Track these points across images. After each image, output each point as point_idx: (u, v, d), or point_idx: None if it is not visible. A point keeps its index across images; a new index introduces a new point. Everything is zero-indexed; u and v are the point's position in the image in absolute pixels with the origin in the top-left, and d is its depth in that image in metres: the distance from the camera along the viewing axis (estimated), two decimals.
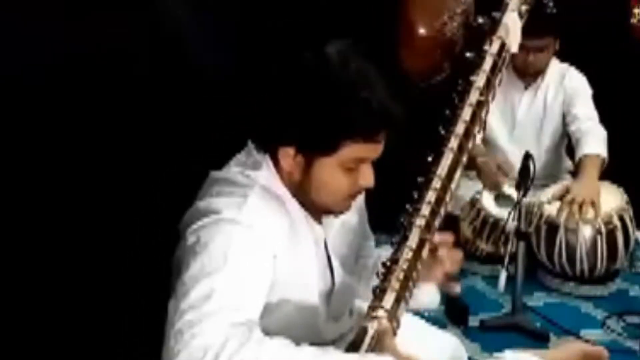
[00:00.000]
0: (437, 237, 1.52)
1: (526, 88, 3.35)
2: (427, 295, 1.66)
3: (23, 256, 2.18)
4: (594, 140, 3.14)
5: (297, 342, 1.35)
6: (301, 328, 1.54)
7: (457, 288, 1.68)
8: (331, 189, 1.50)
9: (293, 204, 1.55)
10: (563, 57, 3.35)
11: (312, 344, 1.37)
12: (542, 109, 3.35)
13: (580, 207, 2.98)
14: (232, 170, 1.55)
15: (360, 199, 1.71)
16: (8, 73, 2.11)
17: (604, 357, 2.25)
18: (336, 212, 1.58)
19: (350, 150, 1.44)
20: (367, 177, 1.50)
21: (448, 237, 1.60)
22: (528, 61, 3.19)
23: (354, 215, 1.73)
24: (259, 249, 1.42)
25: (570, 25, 3.21)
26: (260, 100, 1.51)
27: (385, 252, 1.60)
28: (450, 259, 1.62)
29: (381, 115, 1.43)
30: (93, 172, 2.33)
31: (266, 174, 1.53)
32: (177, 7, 2.59)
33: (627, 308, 2.86)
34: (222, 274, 1.34)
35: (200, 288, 1.32)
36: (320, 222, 1.61)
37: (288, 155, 1.48)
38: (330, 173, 1.47)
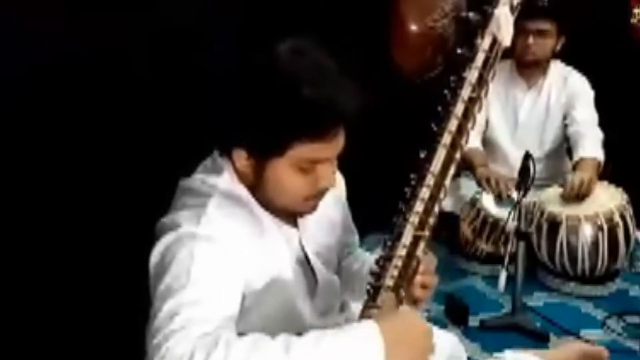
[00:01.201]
0: (421, 267, 1.49)
1: (529, 88, 3.36)
2: None
3: (20, 258, 2.18)
4: (591, 144, 3.17)
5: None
6: (285, 324, 1.50)
7: (422, 308, 1.62)
8: (287, 189, 1.47)
9: (257, 206, 1.53)
10: (563, 57, 3.36)
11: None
12: (544, 110, 3.36)
13: (579, 195, 3.01)
14: (196, 177, 1.54)
15: (341, 194, 1.70)
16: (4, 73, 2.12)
17: (604, 357, 2.25)
18: (299, 212, 1.56)
19: (300, 151, 1.42)
20: (325, 177, 1.47)
21: (431, 265, 1.57)
22: (528, 45, 3.20)
23: (336, 211, 1.72)
24: (222, 259, 1.40)
25: (571, 24, 3.22)
26: (213, 100, 1.50)
27: (374, 255, 1.60)
28: (422, 283, 1.57)
29: (327, 113, 1.39)
30: (92, 171, 2.33)
31: (228, 179, 1.51)
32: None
33: (627, 308, 2.85)
34: (186, 291, 1.32)
35: (166, 308, 1.29)
36: (291, 222, 1.59)
37: (241, 157, 1.46)
38: (283, 174, 1.45)
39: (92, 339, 2.27)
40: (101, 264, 2.32)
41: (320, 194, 1.52)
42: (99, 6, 2.33)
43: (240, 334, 1.33)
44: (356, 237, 1.88)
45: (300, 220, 1.61)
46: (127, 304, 2.22)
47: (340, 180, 1.70)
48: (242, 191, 1.52)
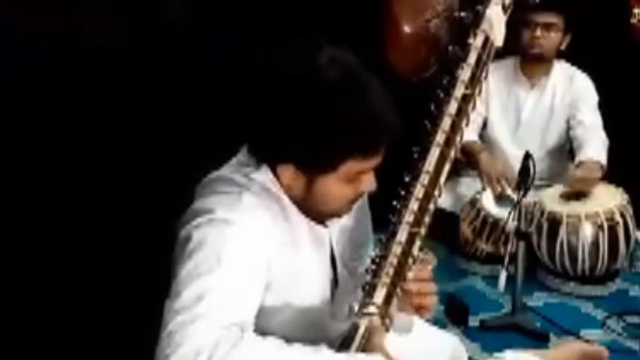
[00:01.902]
0: (411, 274, 1.49)
1: (532, 87, 3.35)
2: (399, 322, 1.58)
3: (22, 258, 2.19)
4: (595, 147, 3.16)
5: (302, 341, 1.36)
6: (306, 328, 1.54)
7: (426, 316, 1.64)
8: (334, 199, 1.48)
9: (290, 206, 1.53)
10: (563, 57, 3.35)
11: (316, 342, 1.38)
12: (548, 110, 3.36)
13: (579, 193, 3.02)
14: (232, 169, 1.54)
15: (363, 199, 1.69)
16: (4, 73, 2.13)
17: (604, 357, 2.26)
18: (339, 216, 1.58)
19: (351, 166, 1.42)
20: (369, 183, 1.49)
21: (424, 272, 1.56)
22: (535, 37, 3.19)
23: (357, 215, 1.72)
24: (252, 250, 1.42)
25: (577, 20, 3.22)
26: (256, 119, 1.47)
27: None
28: (422, 290, 1.57)
29: (379, 130, 1.40)
30: (92, 171, 2.34)
31: (266, 175, 1.51)
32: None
33: (627, 308, 2.85)
34: (215, 275, 1.34)
35: (193, 289, 1.32)
36: (322, 223, 1.59)
37: (287, 171, 1.46)
38: (332, 186, 1.45)
39: (95, 338, 2.28)
40: (101, 264, 2.33)
41: (360, 196, 1.54)
42: (99, 6, 2.34)
43: (256, 330, 1.36)
44: (372, 242, 1.86)
45: (328, 223, 1.61)
46: (130, 303, 2.23)
47: None
48: (279, 190, 1.51)
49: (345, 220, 1.68)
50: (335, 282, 1.64)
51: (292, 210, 1.53)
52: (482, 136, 3.44)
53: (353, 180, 1.46)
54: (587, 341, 2.59)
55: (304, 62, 1.41)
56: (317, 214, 1.54)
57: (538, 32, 3.18)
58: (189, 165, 1.72)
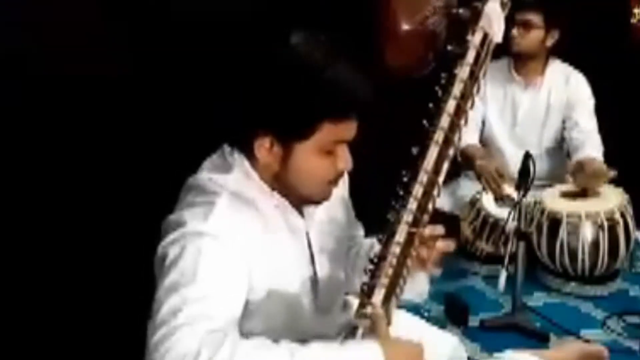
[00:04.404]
0: (428, 230, 1.52)
1: (527, 87, 3.34)
2: (417, 284, 1.65)
3: (23, 258, 2.19)
4: (591, 149, 3.15)
5: (284, 337, 1.37)
6: (287, 322, 1.55)
7: (434, 271, 1.66)
8: (312, 174, 1.50)
9: (265, 203, 1.55)
10: (563, 57, 3.35)
11: (300, 339, 1.39)
12: (544, 109, 3.35)
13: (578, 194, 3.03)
14: (204, 175, 1.55)
15: (343, 190, 1.72)
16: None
17: (604, 356, 2.25)
18: (318, 199, 1.58)
19: (327, 132, 1.45)
20: (345, 159, 1.52)
21: (437, 229, 1.57)
22: (512, 36, 3.17)
23: (339, 208, 1.74)
24: (228, 258, 1.43)
25: (564, 19, 3.21)
26: (233, 93, 1.52)
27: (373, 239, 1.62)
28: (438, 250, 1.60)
29: (350, 93, 1.45)
30: (92, 171, 2.34)
31: (237, 177, 1.53)
32: None
33: (627, 308, 2.84)
34: (192, 287, 1.35)
35: (171, 303, 1.33)
36: (301, 214, 1.61)
37: (265, 147, 1.48)
38: (309, 158, 1.48)
39: (94, 337, 2.28)
40: (101, 264, 2.33)
41: (338, 179, 1.56)
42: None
43: (243, 333, 1.36)
44: (361, 231, 1.89)
45: (306, 216, 1.62)
46: (129, 302, 2.23)
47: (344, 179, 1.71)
48: (252, 190, 1.53)
49: (334, 217, 1.71)
50: (314, 274, 1.64)
51: (267, 205, 1.55)
52: (480, 135, 3.43)
53: (329, 154, 1.49)
54: (587, 341, 2.59)
55: (279, 40, 1.50)
56: (297, 198, 1.56)
57: (515, 31, 3.17)
58: (189, 165, 1.72)
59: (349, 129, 1.49)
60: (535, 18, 3.16)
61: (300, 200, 1.58)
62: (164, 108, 2.49)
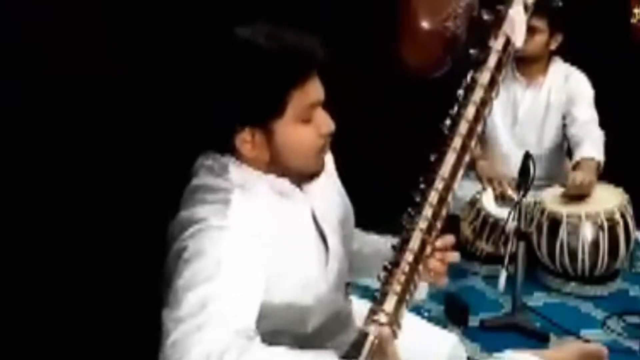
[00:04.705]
0: (439, 242, 1.50)
1: (528, 86, 3.34)
2: (417, 292, 1.62)
3: (24, 258, 2.18)
4: (591, 144, 3.15)
5: (298, 306, 1.45)
6: (302, 290, 1.56)
7: (442, 281, 1.63)
8: (299, 146, 1.51)
9: (269, 191, 1.54)
10: (563, 56, 3.35)
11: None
12: (544, 108, 3.35)
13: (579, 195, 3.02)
14: (205, 177, 1.53)
15: (332, 172, 1.74)
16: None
17: (604, 356, 2.25)
18: (315, 170, 1.58)
19: (297, 99, 1.47)
20: (325, 122, 1.52)
21: (448, 240, 1.56)
22: None
23: (331, 185, 1.74)
24: (250, 253, 1.42)
25: (565, 21, 3.21)
26: (197, 95, 1.54)
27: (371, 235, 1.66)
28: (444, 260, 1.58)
29: (303, 53, 1.47)
30: (92, 171, 2.33)
31: (237, 172, 1.52)
32: None
33: (627, 308, 2.85)
34: (216, 282, 1.34)
35: (194, 297, 1.31)
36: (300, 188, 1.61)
37: (247, 141, 1.48)
38: (291, 132, 1.49)
39: (95, 338, 2.27)
40: (101, 264, 2.32)
41: (326, 143, 1.55)
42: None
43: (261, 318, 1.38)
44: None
45: (308, 195, 1.62)
46: (129, 302, 2.22)
47: (329, 159, 1.71)
48: (254, 182, 1.53)
49: (329, 197, 1.70)
50: (325, 246, 1.64)
51: (271, 192, 1.55)
52: (481, 134, 3.43)
53: (308, 120, 1.50)
54: (587, 341, 2.60)
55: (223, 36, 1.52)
56: (295, 175, 1.56)
57: None
58: (190, 165, 1.70)
59: (315, 89, 1.50)
60: (539, 23, 3.15)
61: (298, 177, 1.58)
62: (164, 108, 2.48)
